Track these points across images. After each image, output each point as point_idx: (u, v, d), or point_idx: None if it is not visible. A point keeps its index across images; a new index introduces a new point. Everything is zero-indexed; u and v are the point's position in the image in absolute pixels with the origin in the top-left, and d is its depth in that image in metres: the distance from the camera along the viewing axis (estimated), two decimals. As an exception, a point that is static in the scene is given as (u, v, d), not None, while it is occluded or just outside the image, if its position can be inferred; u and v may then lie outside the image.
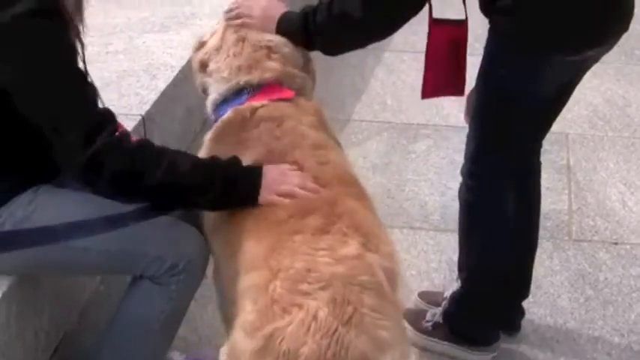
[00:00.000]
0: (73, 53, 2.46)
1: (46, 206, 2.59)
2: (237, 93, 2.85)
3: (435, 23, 3.06)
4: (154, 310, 2.71)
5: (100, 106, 2.49)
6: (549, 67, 2.90)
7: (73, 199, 2.63)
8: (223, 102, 2.88)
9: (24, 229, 2.53)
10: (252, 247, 2.41)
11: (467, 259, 3.34)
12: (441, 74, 3.13)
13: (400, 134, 4.95)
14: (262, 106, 2.78)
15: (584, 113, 5.12)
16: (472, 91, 3.14)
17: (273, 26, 2.92)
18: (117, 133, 2.42)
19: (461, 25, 3.09)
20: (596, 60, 3.01)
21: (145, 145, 2.52)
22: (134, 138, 2.51)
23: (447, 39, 3.07)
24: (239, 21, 2.93)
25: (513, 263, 3.32)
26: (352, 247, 2.33)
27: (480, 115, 3.10)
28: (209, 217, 2.71)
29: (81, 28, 2.54)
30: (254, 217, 2.50)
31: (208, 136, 2.85)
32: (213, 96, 2.92)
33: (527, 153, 3.21)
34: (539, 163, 3.31)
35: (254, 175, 2.55)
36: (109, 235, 2.55)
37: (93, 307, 3.13)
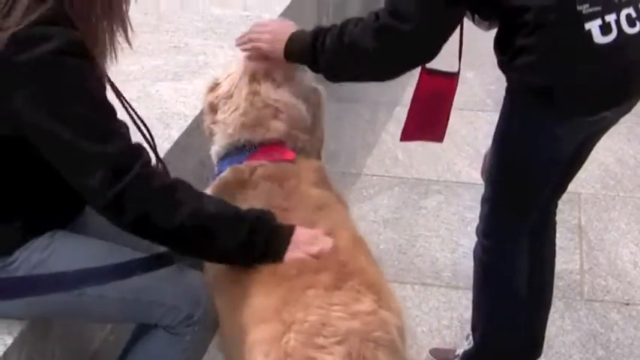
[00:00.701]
0: (102, 88, 2.46)
1: (61, 252, 2.57)
2: (238, 149, 2.86)
3: (425, 72, 3.06)
4: None
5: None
6: (565, 126, 2.88)
7: (89, 246, 2.61)
8: (225, 156, 2.88)
9: (37, 276, 2.51)
10: (261, 301, 2.38)
11: (480, 318, 3.32)
12: (422, 120, 3.14)
13: (411, 189, 4.93)
14: (261, 165, 2.77)
15: (596, 173, 5.10)
16: (489, 149, 3.12)
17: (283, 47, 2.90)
18: (143, 170, 2.37)
19: (450, 78, 3.10)
20: (614, 121, 3.00)
21: (171, 186, 2.44)
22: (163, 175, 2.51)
23: (434, 89, 3.08)
24: (249, 45, 2.92)
25: (526, 323, 3.29)
26: (366, 304, 2.32)
27: (495, 176, 3.09)
28: (211, 271, 2.68)
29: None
30: (261, 271, 2.46)
31: (207, 192, 2.82)
32: (216, 147, 2.94)
33: (542, 213, 3.19)
34: (554, 222, 3.30)
35: (284, 234, 2.50)
36: (124, 284, 2.52)
37: (102, 356, 3.09)
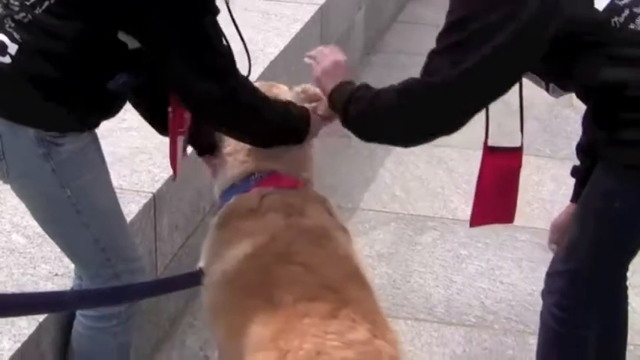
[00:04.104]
0: None
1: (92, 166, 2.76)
2: (245, 179, 2.85)
3: (490, 152, 2.88)
4: None
5: None
6: None
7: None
8: (230, 187, 2.88)
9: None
10: (259, 329, 2.40)
11: None
12: (491, 204, 2.98)
13: (407, 225, 4.94)
14: (269, 194, 2.78)
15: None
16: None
17: (331, 85, 2.81)
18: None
19: (515, 152, 2.92)
20: None
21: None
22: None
23: (502, 169, 2.92)
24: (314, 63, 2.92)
25: None
26: (361, 333, 2.33)
27: (585, 249, 2.94)
28: (211, 300, 2.70)
29: None
30: (259, 299, 2.48)
31: (214, 221, 2.86)
32: (220, 181, 2.93)
33: (616, 281, 3.13)
34: (626, 288, 3.21)
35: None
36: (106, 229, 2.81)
37: None
